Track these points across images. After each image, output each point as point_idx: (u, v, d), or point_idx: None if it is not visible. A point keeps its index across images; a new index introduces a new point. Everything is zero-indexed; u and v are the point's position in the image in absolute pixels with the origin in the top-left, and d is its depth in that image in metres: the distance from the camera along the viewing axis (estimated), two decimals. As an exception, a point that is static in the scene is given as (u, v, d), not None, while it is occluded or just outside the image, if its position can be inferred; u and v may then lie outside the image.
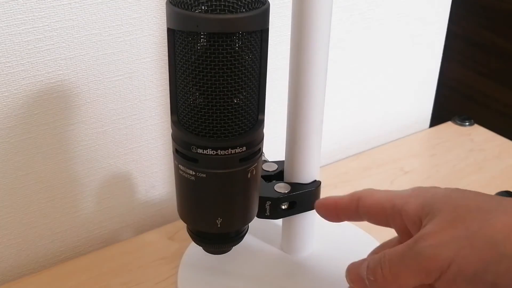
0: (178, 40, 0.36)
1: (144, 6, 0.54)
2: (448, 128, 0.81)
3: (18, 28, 0.48)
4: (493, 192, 0.63)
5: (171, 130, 0.40)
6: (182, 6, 0.34)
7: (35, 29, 0.49)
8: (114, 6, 0.52)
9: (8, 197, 0.54)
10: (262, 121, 0.39)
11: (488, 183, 0.68)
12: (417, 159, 0.75)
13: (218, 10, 0.34)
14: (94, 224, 0.61)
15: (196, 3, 0.34)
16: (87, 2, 0.51)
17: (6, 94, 0.50)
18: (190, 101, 0.37)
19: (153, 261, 0.56)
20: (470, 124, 0.81)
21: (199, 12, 0.34)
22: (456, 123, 0.81)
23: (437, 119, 0.86)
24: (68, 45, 0.51)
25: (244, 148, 0.38)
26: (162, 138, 0.61)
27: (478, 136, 0.79)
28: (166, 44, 0.37)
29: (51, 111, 0.53)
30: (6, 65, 0.49)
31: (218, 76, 0.35)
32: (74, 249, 0.61)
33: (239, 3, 0.34)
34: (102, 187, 0.60)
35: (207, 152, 0.37)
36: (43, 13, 0.49)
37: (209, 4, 0.34)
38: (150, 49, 0.56)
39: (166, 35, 0.36)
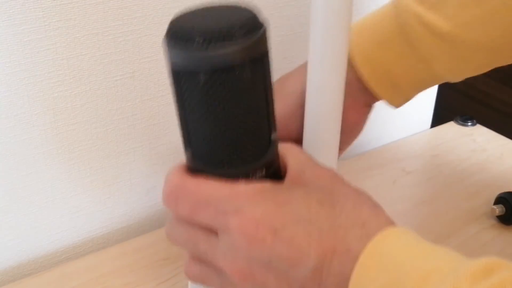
0: (182, 79, 0.35)
1: (144, 6, 0.54)
2: (450, 128, 0.81)
3: (19, 28, 0.48)
4: (495, 192, 0.62)
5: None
6: (180, 43, 0.33)
7: (35, 29, 0.49)
8: (115, 6, 0.52)
9: (8, 197, 0.54)
10: (275, 140, 0.38)
11: (490, 184, 0.68)
12: (419, 159, 0.75)
13: (215, 42, 0.32)
14: (95, 224, 0.61)
15: (191, 36, 0.32)
16: (87, 2, 0.50)
17: (6, 94, 0.50)
18: (202, 134, 0.36)
19: (155, 261, 0.55)
20: (473, 124, 0.81)
21: (196, 48, 0.32)
22: (458, 123, 0.81)
23: (439, 119, 0.86)
24: (69, 44, 0.51)
25: (264, 172, 0.37)
26: (163, 138, 0.61)
27: (481, 136, 0.78)
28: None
29: (51, 111, 0.53)
30: (6, 65, 0.49)
31: (226, 107, 0.34)
32: (75, 250, 0.61)
33: (235, 29, 0.33)
34: (102, 187, 0.59)
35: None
36: (43, 13, 0.49)
37: (205, 38, 0.32)
38: (151, 49, 0.56)
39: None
